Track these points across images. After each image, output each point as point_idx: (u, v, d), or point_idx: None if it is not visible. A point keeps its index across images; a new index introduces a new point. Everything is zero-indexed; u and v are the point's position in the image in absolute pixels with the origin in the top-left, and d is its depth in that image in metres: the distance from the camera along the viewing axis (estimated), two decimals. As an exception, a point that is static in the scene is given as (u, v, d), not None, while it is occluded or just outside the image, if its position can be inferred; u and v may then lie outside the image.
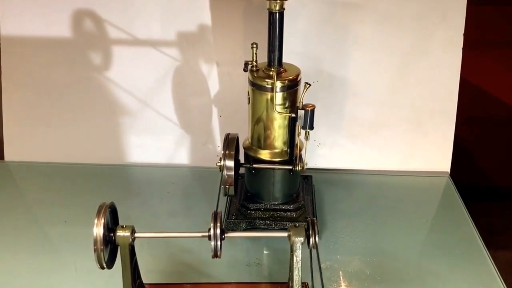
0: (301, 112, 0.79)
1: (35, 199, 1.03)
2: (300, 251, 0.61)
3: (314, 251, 0.62)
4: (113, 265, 0.62)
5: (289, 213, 0.91)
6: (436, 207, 1.02)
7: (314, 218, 0.62)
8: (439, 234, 0.94)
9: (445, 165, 1.11)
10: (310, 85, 0.78)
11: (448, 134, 1.09)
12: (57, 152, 1.14)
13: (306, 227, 0.62)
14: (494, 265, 0.85)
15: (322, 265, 0.82)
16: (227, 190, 0.84)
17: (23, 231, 0.93)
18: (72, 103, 1.11)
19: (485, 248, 0.89)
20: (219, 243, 0.60)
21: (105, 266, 0.60)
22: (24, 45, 1.06)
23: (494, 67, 1.49)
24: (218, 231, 0.60)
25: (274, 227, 0.91)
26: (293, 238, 0.61)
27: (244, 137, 0.91)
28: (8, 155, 1.15)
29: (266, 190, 0.91)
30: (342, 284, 0.81)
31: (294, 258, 0.61)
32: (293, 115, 0.81)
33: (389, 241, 0.91)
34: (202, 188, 1.07)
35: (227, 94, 1.09)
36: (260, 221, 0.91)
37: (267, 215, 0.91)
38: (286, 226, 0.90)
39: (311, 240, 0.61)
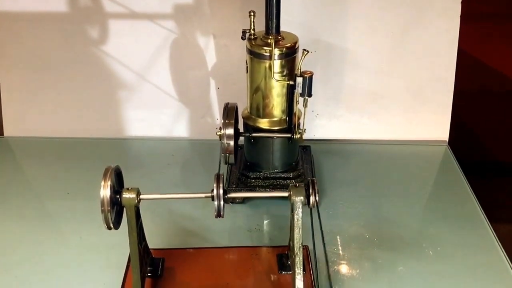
0: (299, 79, 0.82)
1: (36, 174, 1.06)
2: (301, 210, 0.65)
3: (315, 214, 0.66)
4: (119, 226, 0.65)
5: (288, 181, 0.95)
6: (435, 175, 1.06)
7: (314, 178, 0.65)
8: (438, 201, 0.97)
9: (444, 133, 1.15)
10: (308, 51, 0.81)
11: (446, 103, 1.13)
12: (56, 127, 1.17)
13: (306, 187, 0.65)
14: (492, 229, 0.89)
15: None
16: (227, 159, 0.87)
17: (25, 204, 0.96)
18: (70, 78, 1.13)
19: (483, 213, 0.93)
20: (222, 202, 0.64)
21: (112, 227, 0.63)
22: (20, 21, 1.09)
23: (491, 40, 1.50)
24: (221, 191, 0.63)
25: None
26: (293, 197, 0.65)
27: (243, 108, 0.94)
28: (7, 131, 1.18)
29: (265, 159, 0.94)
30: (342, 247, 0.84)
31: (295, 217, 0.65)
32: (292, 82, 0.83)
33: (388, 207, 0.95)
34: (201, 160, 1.11)
35: (224, 66, 1.12)
36: (260, 189, 0.95)
37: (267, 183, 0.95)
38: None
39: (311, 199, 0.64)
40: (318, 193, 0.65)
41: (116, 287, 0.75)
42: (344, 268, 0.80)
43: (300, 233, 0.65)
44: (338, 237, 0.87)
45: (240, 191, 0.95)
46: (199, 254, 0.81)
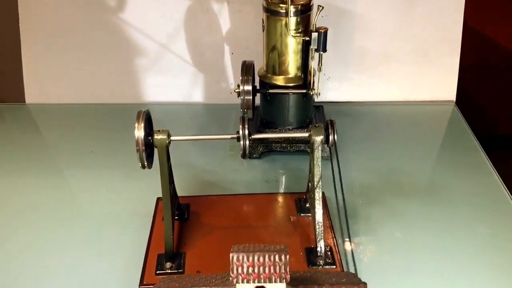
0: (314, 35, 0.87)
1: (58, 138, 1.11)
2: (320, 149, 0.71)
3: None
4: (151, 165, 0.71)
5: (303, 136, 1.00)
6: (443, 132, 1.12)
7: (333, 120, 0.70)
8: (447, 154, 1.03)
9: (451, 93, 1.20)
10: (323, 7, 0.86)
11: (453, 63, 1.18)
12: (76, 93, 1.22)
13: (325, 127, 0.70)
14: (500, 178, 0.94)
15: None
16: (245, 114, 0.93)
17: (50, 164, 1.02)
18: (90, 45, 1.19)
19: (491, 164, 0.98)
20: (247, 142, 0.69)
21: (146, 166, 0.69)
22: (42, -12, 1.14)
23: (497, 16, 1.53)
24: (246, 132, 0.69)
25: (289, 149, 1.00)
26: (313, 137, 0.70)
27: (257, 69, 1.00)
28: (29, 98, 1.23)
29: (281, 115, 0.99)
30: (357, 193, 0.90)
31: (315, 156, 0.71)
32: (307, 38, 0.89)
33: (399, 160, 1.00)
34: (217, 123, 1.16)
35: (238, 31, 1.17)
36: (276, 144, 1.00)
37: (283, 139, 1.00)
38: (301, 148, 1.00)
39: (330, 138, 0.70)
40: (336, 133, 0.70)
41: (146, 231, 0.80)
42: (359, 212, 0.86)
43: (320, 170, 0.71)
44: (352, 186, 0.92)
45: (256, 147, 1.01)
46: (222, 200, 0.87)
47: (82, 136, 1.11)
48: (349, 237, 0.80)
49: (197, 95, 1.23)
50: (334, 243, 0.77)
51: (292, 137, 1.01)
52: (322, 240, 0.73)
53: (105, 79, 1.22)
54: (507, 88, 1.50)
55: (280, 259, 0.47)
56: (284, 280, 0.46)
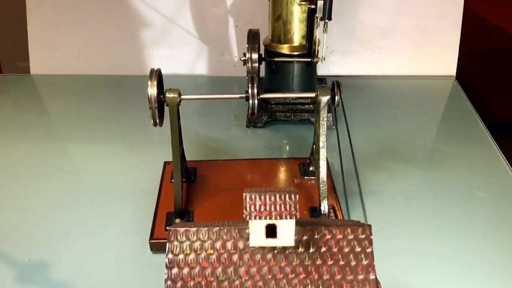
0: (320, 3, 0.90)
1: (64, 107, 1.15)
2: (326, 109, 0.74)
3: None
4: (162, 124, 0.74)
5: (307, 106, 1.04)
6: (444, 104, 1.15)
7: (339, 81, 0.74)
8: (447, 125, 1.07)
9: (451, 69, 1.24)
10: (328, -24, 0.89)
11: (454, 38, 1.21)
12: (81, 65, 1.26)
13: (331, 88, 0.74)
14: (498, 148, 0.98)
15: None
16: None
17: (57, 132, 1.06)
18: (95, 17, 1.22)
19: (490, 134, 1.02)
20: (256, 101, 0.73)
21: (157, 123, 0.72)
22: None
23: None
24: (255, 91, 0.72)
25: (293, 119, 1.04)
26: (320, 97, 0.74)
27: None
28: (33, 69, 1.26)
29: (285, 84, 1.03)
30: (359, 159, 0.94)
31: (320, 115, 0.74)
32: (313, 6, 0.92)
33: (401, 131, 1.04)
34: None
35: (243, 4, 1.20)
36: (280, 113, 1.04)
37: (287, 108, 1.04)
38: (304, 117, 1.04)
39: (336, 98, 0.73)
40: (342, 93, 0.74)
41: (154, 193, 0.84)
42: (362, 177, 0.89)
43: (325, 130, 0.75)
44: (355, 153, 0.96)
45: (261, 116, 1.04)
46: (228, 165, 0.90)
47: (87, 106, 1.14)
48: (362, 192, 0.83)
49: (201, 68, 1.27)
50: (336, 203, 0.81)
51: (296, 107, 1.04)
52: (326, 199, 0.76)
53: (109, 51, 1.25)
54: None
55: (290, 198, 0.50)
56: (294, 217, 0.50)
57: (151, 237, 0.75)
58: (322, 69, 1.23)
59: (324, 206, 0.76)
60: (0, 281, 0.70)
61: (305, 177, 0.86)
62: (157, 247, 0.74)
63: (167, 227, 0.52)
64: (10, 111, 1.13)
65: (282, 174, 0.88)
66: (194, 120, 1.08)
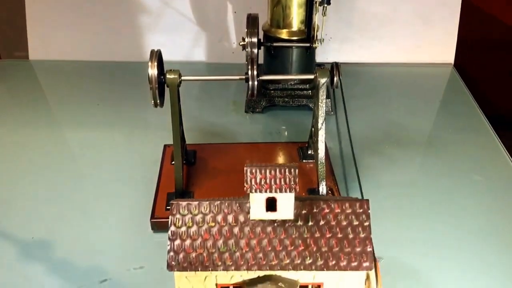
0: (319, -12, 0.92)
1: (63, 93, 1.16)
2: (325, 90, 0.76)
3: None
4: (163, 104, 0.76)
5: (305, 92, 1.06)
6: (442, 92, 1.17)
7: (338, 62, 0.76)
8: (445, 111, 1.09)
9: (450, 56, 1.26)
10: (327, -39, 0.91)
11: (452, 26, 1.23)
12: (79, 51, 1.27)
13: (330, 69, 0.76)
14: (495, 134, 1.00)
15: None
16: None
17: (58, 117, 1.07)
18: (94, 2, 1.23)
19: (487, 120, 1.04)
20: (255, 83, 0.75)
21: (158, 103, 0.74)
22: None
23: None
24: (255, 72, 0.74)
25: (292, 104, 1.06)
26: (319, 78, 0.75)
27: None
28: (32, 55, 1.28)
29: (284, 69, 1.05)
30: (357, 144, 0.96)
31: (319, 97, 0.76)
32: (312, -9, 0.94)
33: (399, 117, 1.06)
34: (219, 81, 1.21)
35: (241, -10, 1.22)
36: (279, 99, 1.06)
37: (285, 94, 1.06)
38: (302, 102, 1.05)
39: (335, 79, 0.75)
40: (341, 75, 0.75)
41: (154, 175, 0.86)
42: (361, 161, 0.91)
43: (324, 112, 0.76)
44: (353, 138, 0.98)
45: (259, 102, 1.06)
46: (227, 148, 0.92)
47: (86, 91, 1.16)
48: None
49: (199, 54, 1.28)
50: (334, 185, 0.83)
51: (294, 93, 1.06)
52: (324, 180, 0.78)
53: (107, 37, 1.26)
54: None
55: (290, 173, 0.52)
56: (294, 191, 0.52)
57: (152, 217, 0.76)
58: (321, 57, 1.25)
59: (323, 187, 0.78)
60: (4, 259, 0.72)
61: (304, 161, 0.88)
62: (158, 226, 0.76)
63: (170, 201, 0.54)
64: (9, 97, 1.14)
65: (281, 158, 0.90)
66: (193, 105, 1.10)
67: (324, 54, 1.26)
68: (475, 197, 0.83)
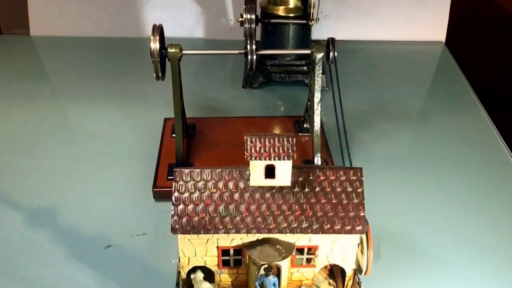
0: (315, -35, 0.93)
1: (65, 67, 1.17)
2: (321, 65, 0.78)
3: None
4: (164, 77, 0.77)
5: (301, 68, 1.07)
6: (434, 69, 1.19)
7: (334, 37, 0.77)
8: (436, 87, 1.11)
9: (441, 34, 1.27)
10: None
11: (444, 5, 1.25)
12: (79, 27, 1.28)
13: (326, 45, 0.77)
14: (483, 108, 1.02)
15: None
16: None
17: (60, 91, 1.09)
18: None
19: (476, 96, 1.06)
20: (254, 57, 0.76)
21: (160, 76, 0.76)
22: None
23: None
24: (254, 47, 0.76)
25: (288, 80, 1.07)
26: (315, 53, 0.77)
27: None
28: (33, 30, 1.28)
29: (281, 46, 1.06)
30: (351, 118, 0.97)
31: (316, 71, 0.78)
32: (309, -32, 0.95)
33: (391, 92, 1.08)
34: (217, 57, 1.23)
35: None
36: (276, 74, 1.07)
37: (282, 70, 1.07)
38: (298, 78, 1.07)
39: (331, 54, 0.77)
40: (336, 50, 0.77)
41: (154, 147, 0.87)
42: (353, 134, 0.93)
43: (320, 86, 0.78)
44: (347, 112, 1.00)
45: (257, 77, 1.08)
46: (225, 122, 0.94)
47: (87, 66, 1.17)
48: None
49: (197, 31, 1.29)
50: (329, 157, 0.85)
51: (291, 69, 1.08)
52: (319, 152, 0.80)
53: (108, 13, 1.27)
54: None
55: (288, 141, 0.54)
56: (291, 158, 0.54)
57: (154, 186, 0.79)
58: (316, 34, 1.25)
59: (318, 159, 0.80)
60: (12, 226, 0.74)
61: (300, 134, 0.90)
62: (160, 195, 0.78)
63: (174, 169, 0.56)
64: (10, 72, 1.15)
65: (278, 131, 0.92)
66: (192, 81, 1.11)
67: (319, 31, 1.27)
68: (463, 168, 0.86)
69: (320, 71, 0.77)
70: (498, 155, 0.89)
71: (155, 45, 0.73)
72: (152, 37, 0.74)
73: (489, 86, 1.28)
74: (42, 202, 0.78)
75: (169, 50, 0.75)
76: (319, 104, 0.79)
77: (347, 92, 1.05)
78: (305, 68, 1.07)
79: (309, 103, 0.85)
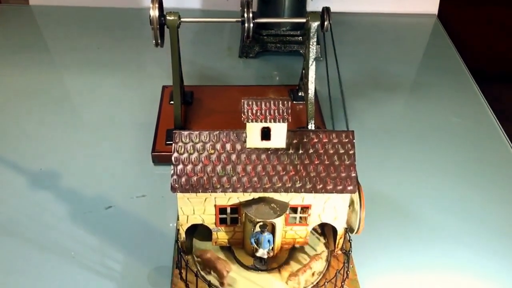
0: None
1: (62, 39, 1.16)
2: (316, 34, 0.78)
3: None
4: (163, 45, 0.78)
5: (297, 38, 1.08)
6: (426, 41, 1.20)
7: (329, 6, 0.78)
8: (428, 59, 1.12)
9: (433, 7, 1.28)
10: None
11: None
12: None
13: (321, 14, 0.78)
14: (473, 79, 1.03)
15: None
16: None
17: (60, 58, 1.09)
18: None
19: (467, 67, 1.07)
20: (251, 25, 0.77)
21: (159, 43, 0.76)
22: None
23: None
24: (250, 15, 0.76)
25: (283, 50, 1.08)
26: (310, 22, 0.78)
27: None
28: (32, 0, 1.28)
29: (277, 16, 1.06)
30: (345, 88, 0.98)
31: (310, 40, 0.78)
32: None
33: (384, 63, 1.09)
34: (214, 26, 1.23)
35: None
36: (272, 44, 1.08)
37: (278, 40, 1.08)
38: (293, 48, 1.08)
39: (325, 23, 0.77)
40: (331, 19, 0.77)
41: (153, 114, 0.88)
42: (347, 103, 0.94)
43: (314, 54, 0.79)
44: (342, 82, 1.01)
45: (253, 47, 1.08)
46: (222, 90, 0.95)
47: (86, 36, 1.17)
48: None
49: (194, 1, 1.29)
50: (322, 124, 0.86)
51: (286, 39, 1.08)
52: (313, 119, 0.82)
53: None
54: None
55: (283, 105, 0.55)
56: (286, 121, 0.55)
57: (153, 150, 0.80)
58: (311, 6, 1.25)
59: (311, 125, 0.82)
60: (15, 188, 0.75)
61: (294, 102, 0.91)
62: (158, 159, 0.79)
63: (173, 131, 0.57)
64: (9, 41, 1.14)
65: (273, 99, 0.93)
66: (189, 50, 1.11)
67: (314, 4, 1.26)
68: (453, 136, 0.87)
69: (315, 39, 0.78)
70: (486, 124, 0.91)
71: (154, 13, 0.74)
72: (151, 5, 0.74)
73: (480, 59, 1.29)
74: (44, 166, 0.79)
75: (167, 17, 0.75)
76: (314, 72, 0.80)
77: (341, 62, 1.06)
78: (300, 38, 1.07)
79: (303, 71, 0.85)
